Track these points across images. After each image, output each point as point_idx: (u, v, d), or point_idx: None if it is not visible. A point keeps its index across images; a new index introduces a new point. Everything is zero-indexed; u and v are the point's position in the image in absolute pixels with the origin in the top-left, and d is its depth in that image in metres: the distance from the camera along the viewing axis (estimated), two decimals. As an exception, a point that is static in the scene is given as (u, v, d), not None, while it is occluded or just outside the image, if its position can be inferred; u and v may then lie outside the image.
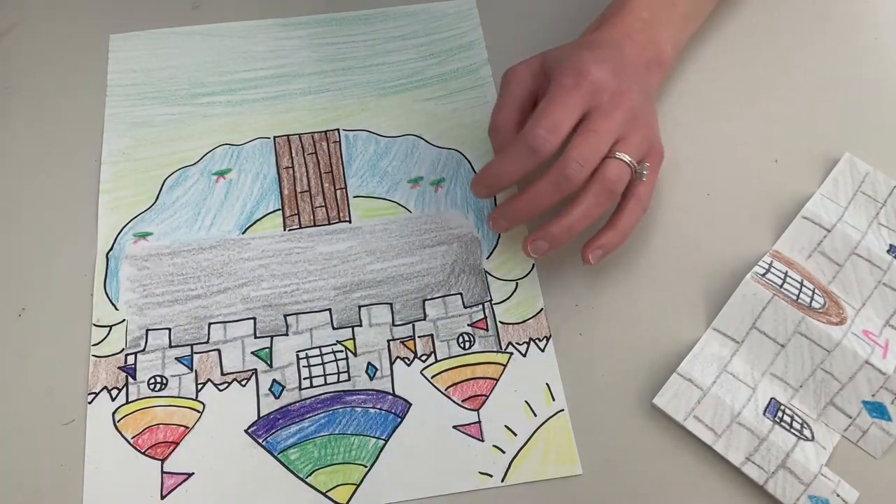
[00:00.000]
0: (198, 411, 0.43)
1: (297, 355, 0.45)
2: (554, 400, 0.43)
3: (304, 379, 0.44)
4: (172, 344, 0.45)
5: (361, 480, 0.41)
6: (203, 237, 0.48)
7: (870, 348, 0.43)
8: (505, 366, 0.44)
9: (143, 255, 0.47)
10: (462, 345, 0.45)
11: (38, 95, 0.53)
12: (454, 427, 0.43)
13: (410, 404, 0.43)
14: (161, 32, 0.56)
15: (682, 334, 0.45)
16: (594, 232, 0.44)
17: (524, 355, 0.45)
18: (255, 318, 0.45)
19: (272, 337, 0.45)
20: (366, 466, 0.42)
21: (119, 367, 0.44)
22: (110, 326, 0.45)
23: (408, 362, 0.44)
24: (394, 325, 0.46)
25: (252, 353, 0.45)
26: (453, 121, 0.53)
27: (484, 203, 0.50)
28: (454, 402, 0.43)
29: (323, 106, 0.53)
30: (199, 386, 0.44)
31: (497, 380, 0.44)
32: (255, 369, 0.44)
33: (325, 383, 0.44)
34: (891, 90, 0.54)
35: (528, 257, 0.43)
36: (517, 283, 0.47)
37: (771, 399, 0.43)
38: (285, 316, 0.46)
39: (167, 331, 0.45)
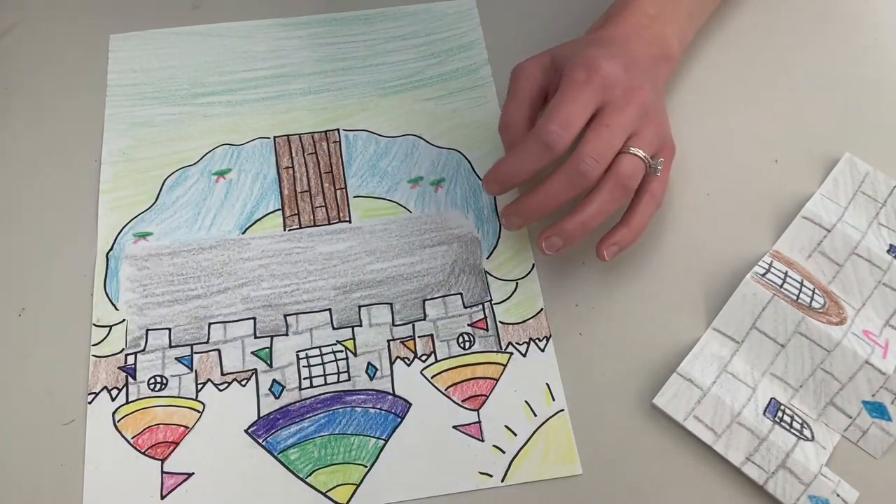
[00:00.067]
0: (198, 411, 0.43)
1: (297, 355, 0.45)
2: (554, 400, 0.43)
3: (304, 379, 0.44)
4: (172, 344, 0.45)
5: (361, 480, 0.41)
6: (203, 237, 0.48)
7: (870, 348, 0.43)
8: (505, 366, 0.44)
9: (143, 255, 0.47)
10: (462, 345, 0.45)
11: (38, 95, 0.53)
12: (454, 427, 0.43)
13: (410, 404, 0.43)
14: (161, 32, 0.56)
15: (682, 334, 0.45)
16: (604, 229, 0.43)
17: (524, 355, 0.45)
18: (255, 318, 0.45)
19: (272, 337, 0.45)
20: (366, 466, 0.42)
21: (119, 367, 0.44)
22: (110, 326, 0.45)
23: (408, 362, 0.44)
24: (394, 325, 0.46)
25: (252, 353, 0.45)
26: (453, 121, 0.53)
27: (483, 203, 0.50)
28: (454, 402, 0.43)
29: (323, 106, 0.53)
30: (199, 386, 0.44)
31: (497, 380, 0.44)
32: (255, 369, 0.44)
33: (325, 383, 0.44)
34: (891, 90, 0.54)
35: (543, 254, 0.43)
36: (517, 283, 0.47)
37: (771, 399, 0.43)
38: (285, 316, 0.46)
39: (167, 331, 0.45)
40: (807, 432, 0.42)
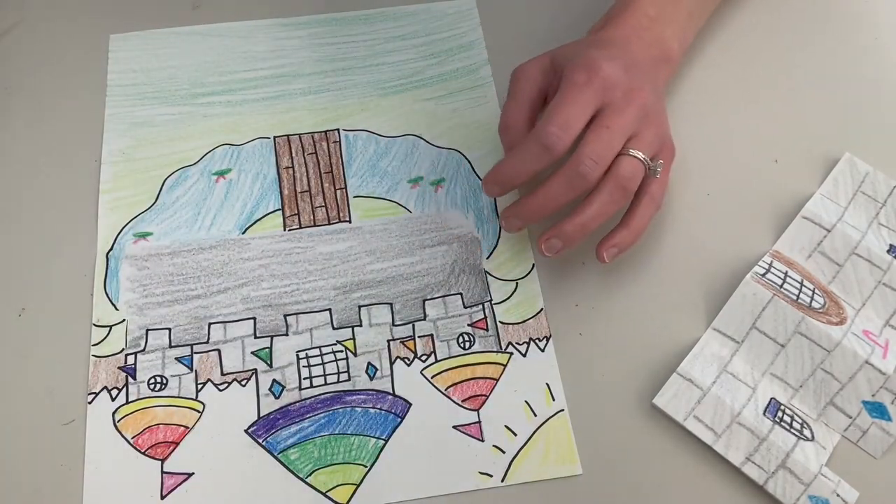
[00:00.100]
0: (198, 411, 0.43)
1: (297, 355, 0.45)
2: (554, 400, 0.43)
3: (304, 379, 0.44)
4: (172, 344, 0.45)
5: (361, 480, 0.41)
6: (203, 237, 0.48)
7: (870, 348, 0.43)
8: (505, 366, 0.44)
9: (143, 255, 0.47)
10: (462, 345, 0.45)
11: (38, 95, 0.53)
12: (454, 427, 0.43)
13: (410, 404, 0.43)
14: (161, 32, 0.56)
15: (682, 334, 0.45)
16: (604, 230, 0.43)
17: (524, 355, 0.45)
18: (255, 318, 0.45)
19: (272, 337, 0.45)
20: (366, 466, 0.42)
21: (119, 367, 0.44)
22: (110, 326, 0.45)
23: (408, 362, 0.44)
24: (394, 325, 0.46)
25: (252, 353, 0.45)
26: (453, 121, 0.53)
27: (483, 203, 0.50)
28: (454, 402, 0.43)
29: (323, 106, 0.53)
30: (199, 386, 0.44)
31: (497, 380, 0.44)
32: (255, 369, 0.44)
33: (325, 383, 0.44)
34: (891, 90, 0.54)
35: (543, 256, 0.43)
36: (517, 283, 0.47)
37: (771, 399, 0.43)
38: (285, 316, 0.46)
39: (167, 331, 0.45)
40: (807, 432, 0.42)
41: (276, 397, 0.43)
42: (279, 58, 0.55)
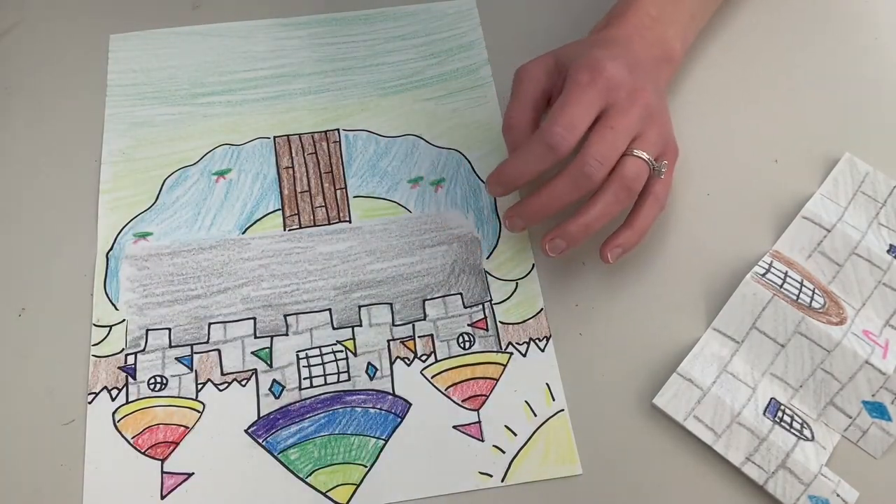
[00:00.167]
0: (198, 411, 0.43)
1: (297, 355, 0.45)
2: (554, 400, 0.43)
3: (304, 379, 0.44)
4: (172, 344, 0.45)
5: (361, 480, 0.41)
6: (203, 237, 0.48)
7: (870, 348, 0.43)
8: (505, 366, 0.44)
9: (143, 255, 0.47)
10: (462, 345, 0.45)
11: (38, 95, 0.53)
12: (454, 427, 0.43)
13: (410, 404, 0.43)
14: (161, 32, 0.56)
15: (682, 334, 0.45)
16: (607, 230, 0.43)
17: (524, 355, 0.45)
18: (255, 318, 0.45)
19: (272, 337, 0.45)
20: (366, 466, 0.42)
21: (119, 367, 0.44)
22: (110, 326, 0.45)
23: (408, 362, 0.44)
24: (394, 325, 0.46)
25: (252, 353, 0.45)
26: (453, 121, 0.53)
27: (483, 203, 0.50)
28: (454, 402, 0.43)
29: (323, 106, 0.53)
30: (199, 386, 0.44)
31: (497, 380, 0.44)
32: (255, 369, 0.44)
33: (325, 383, 0.44)
34: (891, 90, 0.54)
35: (546, 256, 0.43)
36: (517, 283, 0.47)
37: (771, 399, 0.43)
38: (285, 316, 0.46)
39: (167, 331, 0.45)
40: (807, 432, 0.42)
41: (276, 397, 0.43)
42: (279, 58, 0.55)
